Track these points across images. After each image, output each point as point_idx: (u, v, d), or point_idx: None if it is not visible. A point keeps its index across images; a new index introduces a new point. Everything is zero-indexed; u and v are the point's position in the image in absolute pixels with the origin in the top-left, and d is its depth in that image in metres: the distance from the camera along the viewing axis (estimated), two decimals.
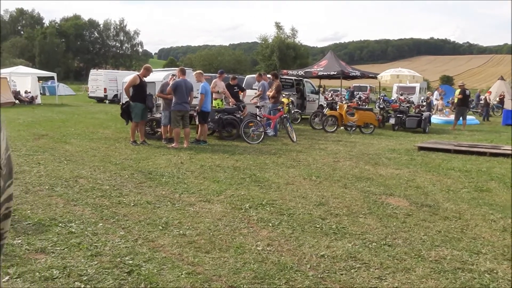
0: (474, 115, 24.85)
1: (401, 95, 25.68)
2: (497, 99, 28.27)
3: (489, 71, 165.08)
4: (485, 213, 5.57)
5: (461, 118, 17.25)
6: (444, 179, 7.51)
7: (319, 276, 3.56)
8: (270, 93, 12.88)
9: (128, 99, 10.35)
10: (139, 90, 10.15)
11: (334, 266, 3.77)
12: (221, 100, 12.55)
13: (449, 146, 10.88)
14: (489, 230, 4.90)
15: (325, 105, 17.60)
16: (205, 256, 3.89)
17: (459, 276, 3.65)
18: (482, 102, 28.65)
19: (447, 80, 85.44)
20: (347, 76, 20.30)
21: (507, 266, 3.90)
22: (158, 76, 13.67)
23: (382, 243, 4.36)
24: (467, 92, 17.42)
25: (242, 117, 12.06)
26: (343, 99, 22.90)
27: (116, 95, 28.40)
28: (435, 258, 4.03)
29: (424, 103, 22.74)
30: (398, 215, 5.34)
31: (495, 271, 3.78)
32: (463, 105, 17.19)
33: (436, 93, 28.21)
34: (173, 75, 11.07)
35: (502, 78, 33.15)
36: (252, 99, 13.30)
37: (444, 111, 21.89)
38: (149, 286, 3.26)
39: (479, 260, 4.02)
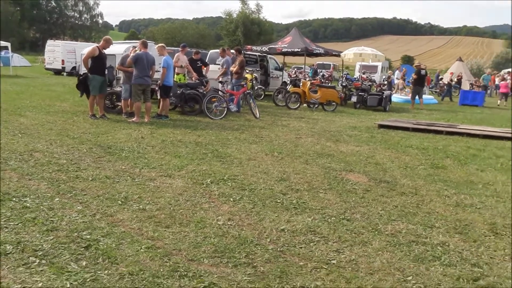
0: (433, 95, 25.54)
1: (364, 73, 25.91)
2: (455, 79, 29.12)
3: (449, 52, 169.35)
4: (440, 189, 5.77)
5: (417, 98, 17.77)
6: (402, 156, 7.71)
7: (278, 249, 3.61)
8: (233, 68, 12.76)
9: (86, 71, 10.01)
10: (98, 62, 9.82)
11: (293, 240, 3.82)
12: (184, 75, 12.33)
13: (408, 124, 11.16)
14: (443, 205, 5.08)
15: (288, 82, 17.63)
16: (165, 230, 3.85)
17: (413, 249, 3.78)
18: (441, 82, 29.47)
19: (408, 60, 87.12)
20: (311, 54, 20.37)
21: (458, 239, 4.07)
22: (118, 49, 13.26)
23: (341, 217, 4.45)
24: (422, 72, 17.95)
25: (205, 92, 11.91)
26: (307, 76, 22.97)
27: (74, 68, 27.41)
28: (391, 231, 4.15)
29: (386, 82, 23.14)
30: (357, 191, 5.45)
31: (447, 243, 3.93)
32: (418, 84, 17.77)
33: (397, 72, 28.76)
34: (134, 47, 10.76)
35: (460, 59, 34.12)
36: (218, 77, 13.08)
37: (405, 90, 22.38)
38: (107, 260, 3.21)
39: (432, 233, 4.17)
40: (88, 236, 3.62)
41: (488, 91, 28.04)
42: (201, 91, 11.86)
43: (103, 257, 3.26)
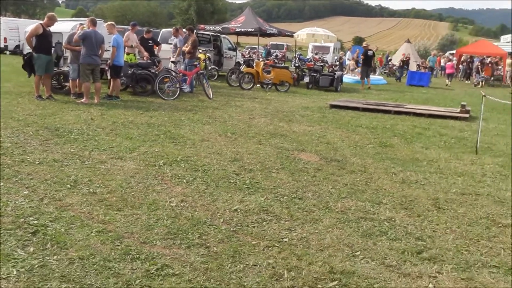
0: (382, 76, 26.24)
1: (316, 54, 26.27)
2: (404, 60, 29.96)
3: (398, 33, 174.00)
4: (387, 166, 5.99)
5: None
6: (353, 135, 7.92)
7: (231, 229, 3.65)
8: (186, 48, 12.56)
9: (31, 50, 9.56)
10: (43, 40, 9.39)
11: (246, 220, 3.87)
12: (134, 55, 12.00)
13: (358, 104, 11.44)
14: (390, 183, 5.28)
15: (242, 62, 17.56)
16: (116, 213, 3.80)
17: (361, 225, 3.93)
18: (390, 63, 30.28)
19: (359, 41, 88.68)
20: (264, 34, 20.33)
21: (404, 214, 4.26)
22: (65, 27, 12.75)
23: (293, 196, 4.54)
24: (370, 53, 18.43)
25: (157, 72, 11.68)
26: (260, 56, 22.98)
27: (18, 46, 26.05)
28: (341, 209, 4.28)
29: (337, 63, 23.53)
30: (309, 170, 5.57)
31: (393, 219, 4.11)
32: (366, 65, 18.28)
33: (348, 53, 29.27)
34: (81, 24, 10.36)
35: (408, 41, 35.14)
36: (175, 58, 12.77)
37: (356, 70, 22.85)
38: (56, 246, 3.13)
39: (380, 209, 4.34)
40: (36, 222, 3.52)
41: (434, 72, 29.09)
42: (153, 71, 11.62)
43: (52, 243, 3.18)
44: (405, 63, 27.00)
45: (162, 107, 9.70)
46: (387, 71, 29.21)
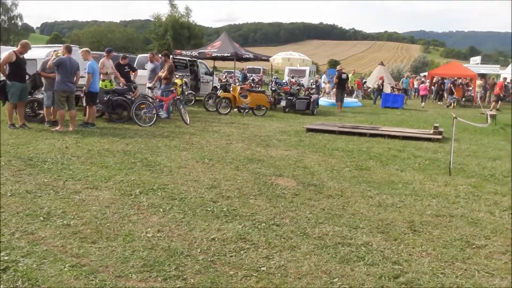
0: (357, 98, 26.68)
1: (292, 77, 26.64)
2: (378, 83, 30.57)
3: (371, 56, 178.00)
4: (364, 190, 6.05)
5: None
6: (329, 159, 7.99)
7: (209, 259, 3.61)
8: (162, 73, 12.59)
9: (4, 78, 9.44)
10: (16, 68, 9.29)
11: (224, 249, 3.84)
12: (110, 81, 11.94)
13: (334, 127, 11.59)
14: (367, 206, 5.33)
15: (219, 86, 17.66)
16: (91, 246, 3.72)
17: (339, 251, 3.94)
18: (365, 86, 30.85)
19: (334, 64, 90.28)
20: (240, 58, 20.52)
21: (381, 238, 4.29)
22: (40, 53, 12.62)
23: (270, 223, 4.54)
24: (343, 76, 18.90)
25: (133, 98, 11.64)
26: (237, 81, 23.15)
27: None
28: (318, 234, 4.29)
29: (314, 86, 23.88)
30: (286, 195, 5.58)
31: (370, 243, 4.13)
32: (340, 88, 18.68)
33: (324, 76, 29.73)
34: (55, 50, 10.29)
35: (382, 64, 35.94)
36: (153, 84, 12.73)
37: (332, 93, 23.21)
38: (27, 283, 3.05)
39: (357, 234, 4.36)
40: (6, 258, 3.42)
41: (408, 94, 29.73)
42: (129, 97, 11.57)
43: (23, 280, 3.09)
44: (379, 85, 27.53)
45: (138, 133, 9.64)
46: (362, 94, 29.72)
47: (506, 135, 12.48)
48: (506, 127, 14.18)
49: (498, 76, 35.98)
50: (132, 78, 13.00)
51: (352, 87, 27.46)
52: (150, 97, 12.05)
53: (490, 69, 40.06)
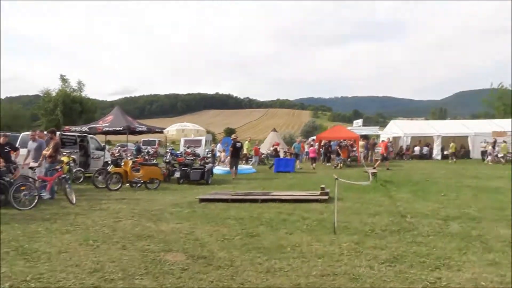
0: (254, 165, 27.43)
1: (188, 148, 26.79)
2: (271, 148, 31.86)
3: (266, 123, 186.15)
4: (253, 257, 6.10)
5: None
6: (221, 229, 8.00)
7: None
8: (46, 152, 11.96)
9: None
10: None
11: None
12: None
13: (227, 196, 11.71)
14: (255, 274, 5.37)
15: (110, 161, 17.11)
16: None
17: None
18: (260, 152, 31.92)
19: (230, 132, 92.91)
20: (134, 131, 20.34)
21: None
22: None
23: None
24: (238, 144, 19.60)
25: (12, 180, 10.80)
26: (131, 154, 22.69)
27: None
28: None
29: (209, 155, 24.18)
30: (174, 271, 5.43)
31: None
32: (234, 156, 19.25)
33: (219, 145, 30.33)
34: None
35: (274, 130, 37.75)
36: (39, 163, 11.97)
37: (226, 161, 23.64)
38: None
39: None
40: None
41: (300, 158, 31.29)
42: (8, 179, 10.73)
43: None
44: (274, 150, 28.76)
45: (15, 218, 8.87)
46: (257, 160, 30.67)
47: (385, 191, 13.55)
48: (385, 184, 15.40)
49: (378, 136, 39.50)
50: (13, 158, 12.16)
51: (249, 154, 28.26)
52: (31, 177, 11.29)
53: (371, 130, 43.85)
